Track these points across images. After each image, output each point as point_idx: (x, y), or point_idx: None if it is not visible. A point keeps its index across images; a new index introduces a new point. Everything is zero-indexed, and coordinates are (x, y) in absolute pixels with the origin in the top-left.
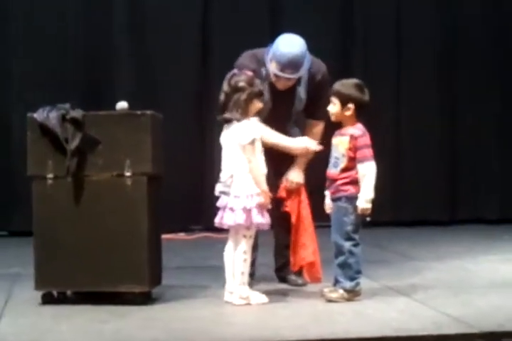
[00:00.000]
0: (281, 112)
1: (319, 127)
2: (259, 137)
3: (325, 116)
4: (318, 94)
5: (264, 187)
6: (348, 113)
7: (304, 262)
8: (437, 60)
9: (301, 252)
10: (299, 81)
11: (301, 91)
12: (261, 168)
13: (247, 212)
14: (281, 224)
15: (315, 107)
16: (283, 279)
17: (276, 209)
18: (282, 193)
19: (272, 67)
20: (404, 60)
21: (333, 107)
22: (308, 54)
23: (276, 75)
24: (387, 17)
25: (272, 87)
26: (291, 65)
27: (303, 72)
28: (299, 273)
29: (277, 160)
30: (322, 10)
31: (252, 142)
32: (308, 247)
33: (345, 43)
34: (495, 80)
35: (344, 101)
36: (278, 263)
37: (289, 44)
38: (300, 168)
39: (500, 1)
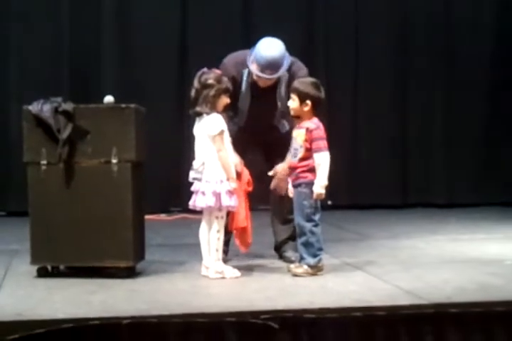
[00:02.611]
0: (265, 110)
1: None
2: (226, 129)
3: None
4: None
5: (233, 174)
6: (306, 108)
7: (237, 225)
8: (392, 58)
9: (236, 217)
10: (280, 81)
11: (282, 91)
12: (229, 157)
13: (217, 195)
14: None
15: None
16: (280, 256)
17: None
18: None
19: (253, 68)
20: (361, 58)
21: (293, 103)
22: (288, 56)
23: (257, 75)
24: (346, 18)
25: (254, 86)
26: (269, 66)
27: (281, 73)
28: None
29: (268, 148)
30: (290, 15)
31: (221, 133)
32: (240, 213)
33: (308, 43)
34: (440, 74)
35: (302, 98)
36: (276, 242)
37: (269, 47)
38: None
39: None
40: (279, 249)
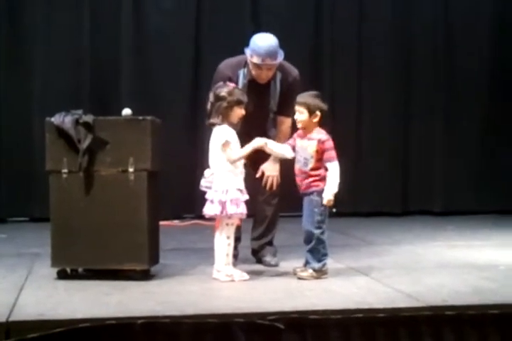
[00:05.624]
0: (260, 108)
1: (287, 123)
2: (233, 140)
3: (292, 113)
4: (289, 93)
5: (254, 145)
6: (315, 119)
7: None
8: (393, 74)
9: None
10: (274, 78)
11: (276, 87)
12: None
13: (223, 204)
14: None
15: (285, 105)
16: (259, 260)
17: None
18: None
19: (255, 60)
20: (364, 74)
21: (301, 115)
22: (279, 49)
23: (259, 67)
24: (350, 36)
25: (251, 85)
26: (270, 53)
27: (281, 58)
28: (274, 255)
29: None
30: (296, 34)
31: (226, 143)
32: None
33: (315, 61)
34: (440, 87)
35: (312, 109)
36: (253, 247)
37: (264, 39)
38: (275, 160)
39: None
40: (256, 254)
